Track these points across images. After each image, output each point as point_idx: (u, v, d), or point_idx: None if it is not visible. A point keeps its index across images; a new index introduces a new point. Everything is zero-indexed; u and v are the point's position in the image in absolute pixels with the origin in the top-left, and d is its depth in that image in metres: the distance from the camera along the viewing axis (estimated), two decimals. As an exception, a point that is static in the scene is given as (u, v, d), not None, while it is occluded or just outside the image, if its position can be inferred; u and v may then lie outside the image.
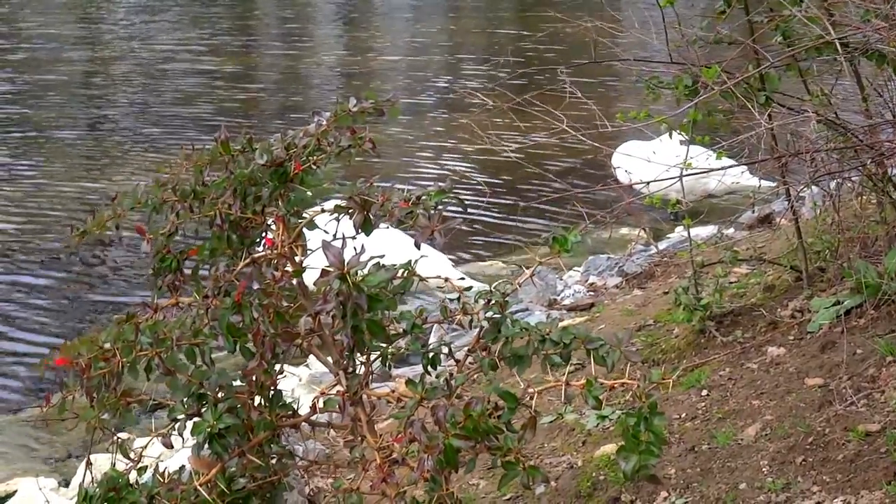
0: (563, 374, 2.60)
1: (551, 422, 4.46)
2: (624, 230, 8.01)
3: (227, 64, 15.52)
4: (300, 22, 20.23)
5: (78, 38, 17.63)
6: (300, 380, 5.87)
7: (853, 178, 4.75)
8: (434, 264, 5.50)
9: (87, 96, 13.72)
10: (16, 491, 5.14)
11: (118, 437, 2.93)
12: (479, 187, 9.32)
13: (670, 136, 4.91)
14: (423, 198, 2.61)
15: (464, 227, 7.98)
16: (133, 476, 2.85)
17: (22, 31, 17.78)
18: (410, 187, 2.76)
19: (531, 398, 2.59)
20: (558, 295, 6.80)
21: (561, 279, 7.09)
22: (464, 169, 10.28)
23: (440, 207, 2.63)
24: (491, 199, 8.69)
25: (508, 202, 8.88)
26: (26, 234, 8.75)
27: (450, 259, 7.11)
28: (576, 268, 7.35)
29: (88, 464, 2.97)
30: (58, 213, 9.14)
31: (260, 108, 13.34)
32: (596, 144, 4.80)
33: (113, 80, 14.62)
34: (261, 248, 2.88)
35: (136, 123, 12.18)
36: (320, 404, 2.76)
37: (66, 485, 5.18)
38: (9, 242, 8.55)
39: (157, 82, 14.27)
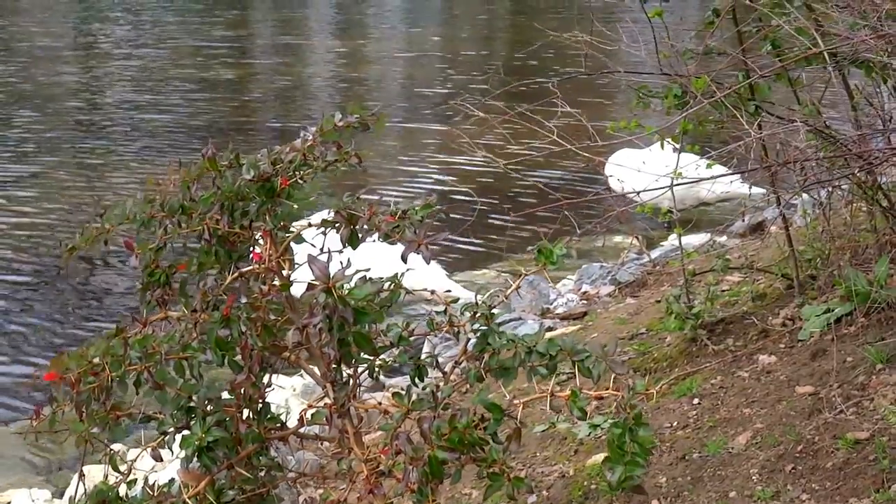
0: (549, 386, 2.61)
1: (544, 431, 4.47)
2: (617, 239, 8.03)
3: (221, 74, 15.54)
4: (294, 31, 20.26)
5: (71, 46, 17.67)
6: (294, 390, 5.87)
7: (843, 187, 4.76)
8: (426, 276, 5.50)
9: (78, 108, 13.72)
10: (9, 503, 5.14)
11: (110, 450, 2.94)
12: (472, 197, 9.33)
13: (662, 146, 4.93)
14: (409, 212, 2.63)
15: (456, 238, 8.01)
16: (123, 489, 2.86)
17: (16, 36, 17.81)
18: (398, 200, 2.78)
19: (517, 409, 2.60)
20: (551, 304, 6.81)
21: (554, 288, 7.11)
22: (456, 179, 10.29)
23: (426, 221, 2.64)
24: (483, 209, 8.71)
25: (500, 212, 8.89)
26: (18, 250, 8.72)
27: (442, 269, 7.11)
28: (569, 276, 7.37)
29: (81, 476, 2.98)
30: (49, 230, 9.10)
31: (253, 119, 13.35)
32: (586, 154, 4.81)
33: (104, 92, 14.63)
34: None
35: (127, 137, 12.18)
36: (308, 417, 2.78)
37: (60, 496, 5.18)
38: (0, 258, 8.54)
39: (149, 93, 14.28)
